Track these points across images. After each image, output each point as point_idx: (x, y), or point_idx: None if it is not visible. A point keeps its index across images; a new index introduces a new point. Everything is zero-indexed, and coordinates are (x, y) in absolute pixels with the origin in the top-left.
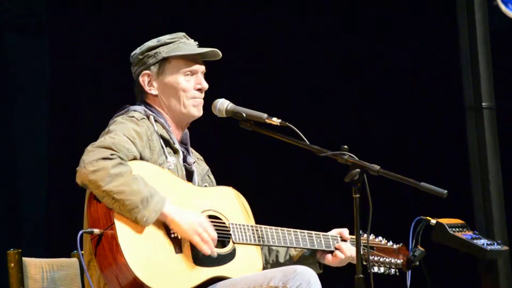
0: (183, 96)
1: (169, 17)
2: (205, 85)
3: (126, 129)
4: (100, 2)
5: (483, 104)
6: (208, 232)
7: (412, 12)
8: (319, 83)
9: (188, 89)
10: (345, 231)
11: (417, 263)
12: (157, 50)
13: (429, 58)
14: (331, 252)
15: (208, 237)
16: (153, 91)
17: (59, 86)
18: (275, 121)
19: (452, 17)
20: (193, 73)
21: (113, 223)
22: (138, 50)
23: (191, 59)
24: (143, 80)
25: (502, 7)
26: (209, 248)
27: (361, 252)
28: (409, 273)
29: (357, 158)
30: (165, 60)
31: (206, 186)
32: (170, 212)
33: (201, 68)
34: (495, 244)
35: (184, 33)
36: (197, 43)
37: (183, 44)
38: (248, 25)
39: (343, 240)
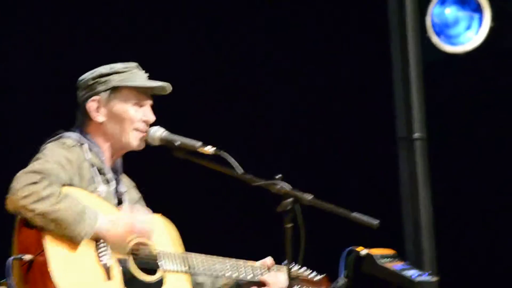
0: (128, 126)
1: (101, 37)
2: (152, 118)
3: (57, 155)
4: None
5: (415, 135)
6: (142, 229)
7: (345, 42)
8: (255, 113)
9: (135, 119)
10: (268, 260)
11: None
12: (108, 77)
13: (361, 88)
14: (257, 283)
15: (146, 228)
16: (100, 118)
17: None
18: (208, 150)
19: (385, 48)
20: (141, 105)
21: (44, 249)
22: (88, 75)
23: (141, 90)
24: (91, 106)
25: (435, 39)
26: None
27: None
28: None
29: (289, 188)
30: (115, 88)
31: None
32: (103, 224)
33: (150, 101)
34: (425, 274)
35: (137, 64)
36: (147, 75)
37: (135, 74)
38: (191, 52)
39: (268, 268)
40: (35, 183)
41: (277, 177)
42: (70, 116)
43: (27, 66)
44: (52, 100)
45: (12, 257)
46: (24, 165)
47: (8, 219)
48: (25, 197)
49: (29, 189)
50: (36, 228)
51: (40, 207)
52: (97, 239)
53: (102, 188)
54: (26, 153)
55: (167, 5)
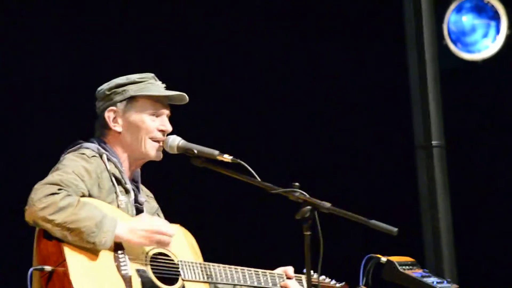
0: (145, 135)
1: (125, 49)
2: (169, 128)
3: (76, 166)
4: (56, 28)
5: (433, 142)
6: (163, 233)
7: (362, 50)
8: (274, 123)
9: (152, 129)
10: (289, 269)
11: None
12: (125, 87)
13: (380, 97)
14: None
15: (166, 238)
16: (117, 128)
17: (5, 121)
18: (227, 158)
19: (402, 56)
20: (158, 114)
21: (64, 260)
22: (105, 86)
23: (158, 100)
24: (108, 116)
25: (452, 46)
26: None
27: None
28: None
29: (308, 195)
30: (132, 98)
31: None
32: (123, 229)
33: (167, 111)
34: (445, 282)
35: (153, 74)
36: (164, 85)
37: (152, 84)
38: (207, 61)
39: (288, 278)
40: (53, 194)
41: (295, 184)
42: (89, 125)
43: (47, 70)
44: (71, 107)
45: (32, 268)
46: (44, 172)
47: (29, 229)
48: (43, 208)
49: (47, 200)
50: (56, 239)
51: (59, 217)
52: (116, 250)
53: (122, 198)
54: (45, 162)
55: (178, 15)
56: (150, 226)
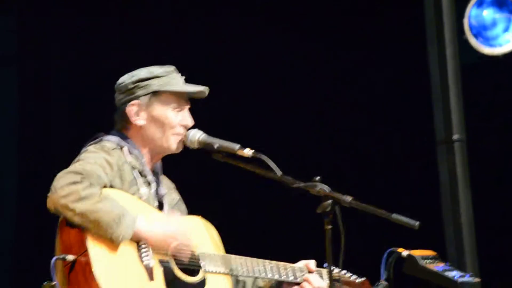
0: (168, 130)
1: (142, 47)
2: (191, 122)
3: (97, 157)
4: (72, 32)
5: (454, 137)
6: (184, 236)
7: (384, 44)
8: (294, 117)
9: (175, 124)
10: (311, 263)
11: None
12: (148, 82)
13: (400, 92)
14: (298, 284)
15: (186, 240)
16: (139, 121)
17: (28, 116)
18: (247, 152)
19: (423, 51)
20: (181, 109)
21: (86, 250)
22: (127, 79)
23: (180, 95)
24: (131, 109)
25: (472, 40)
26: (189, 250)
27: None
28: None
29: (329, 190)
30: (155, 93)
31: None
32: (142, 227)
33: (188, 105)
34: (467, 276)
35: (174, 67)
36: (184, 78)
37: (174, 79)
38: (222, 54)
39: (310, 272)
40: (75, 182)
41: (316, 178)
42: (110, 119)
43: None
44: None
45: (55, 257)
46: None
47: (51, 219)
48: (65, 196)
49: (69, 189)
50: (78, 228)
51: (80, 207)
52: (138, 241)
53: (144, 190)
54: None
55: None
56: (172, 227)
